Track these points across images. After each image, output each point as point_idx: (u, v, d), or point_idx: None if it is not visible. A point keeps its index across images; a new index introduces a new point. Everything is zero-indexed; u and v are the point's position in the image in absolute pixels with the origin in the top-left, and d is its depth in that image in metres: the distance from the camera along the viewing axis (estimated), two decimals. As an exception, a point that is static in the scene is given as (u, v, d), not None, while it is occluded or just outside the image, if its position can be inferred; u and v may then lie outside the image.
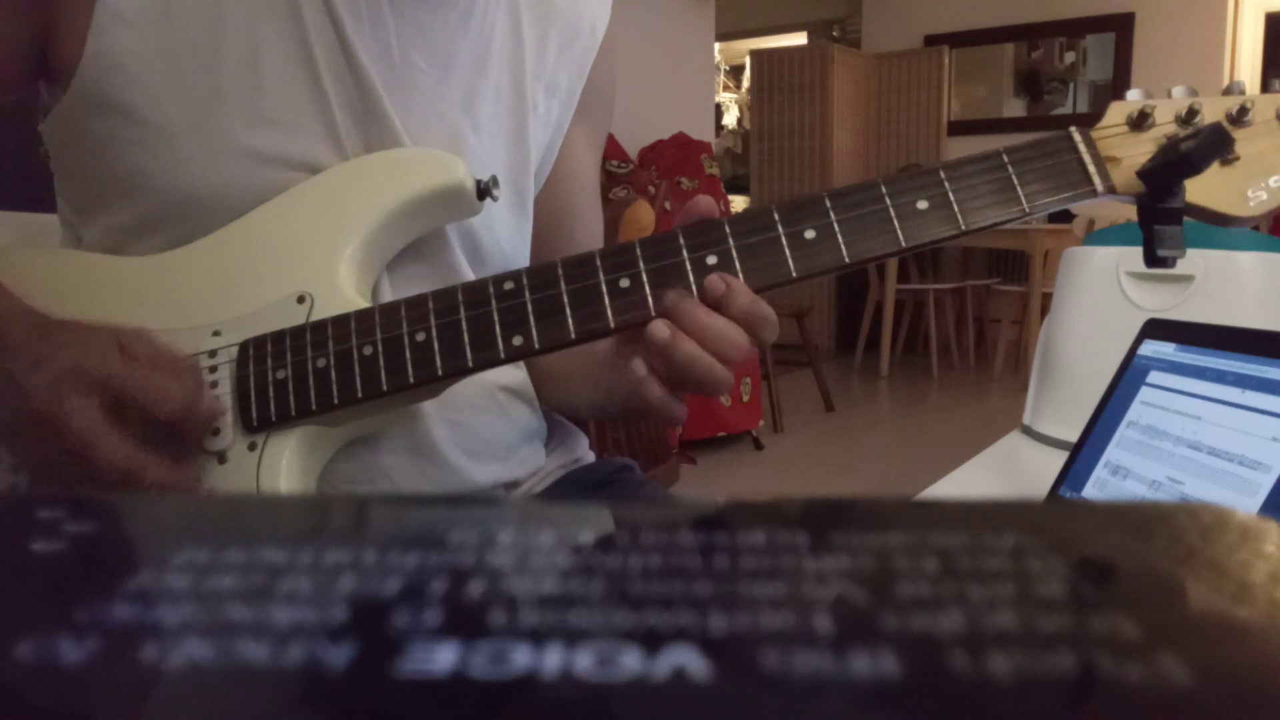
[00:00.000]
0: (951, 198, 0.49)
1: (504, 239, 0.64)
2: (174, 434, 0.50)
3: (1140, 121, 0.51)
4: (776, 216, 0.50)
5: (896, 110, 5.26)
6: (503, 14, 0.63)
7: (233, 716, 0.10)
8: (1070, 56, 4.88)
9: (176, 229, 0.55)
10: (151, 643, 0.11)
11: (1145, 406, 0.57)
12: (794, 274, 0.49)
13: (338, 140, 0.56)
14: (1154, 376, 0.57)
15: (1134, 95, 0.53)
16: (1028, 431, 0.88)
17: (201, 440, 0.51)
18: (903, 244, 0.49)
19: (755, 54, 5.20)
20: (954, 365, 4.60)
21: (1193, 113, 0.51)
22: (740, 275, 0.49)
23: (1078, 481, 0.58)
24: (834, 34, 5.80)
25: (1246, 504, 0.47)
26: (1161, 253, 0.50)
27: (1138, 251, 0.52)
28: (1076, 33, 4.81)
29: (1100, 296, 0.83)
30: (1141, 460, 0.54)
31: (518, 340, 0.50)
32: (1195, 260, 0.77)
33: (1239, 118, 0.50)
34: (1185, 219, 0.51)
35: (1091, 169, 0.50)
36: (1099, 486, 0.56)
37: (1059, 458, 0.61)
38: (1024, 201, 0.49)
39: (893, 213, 0.49)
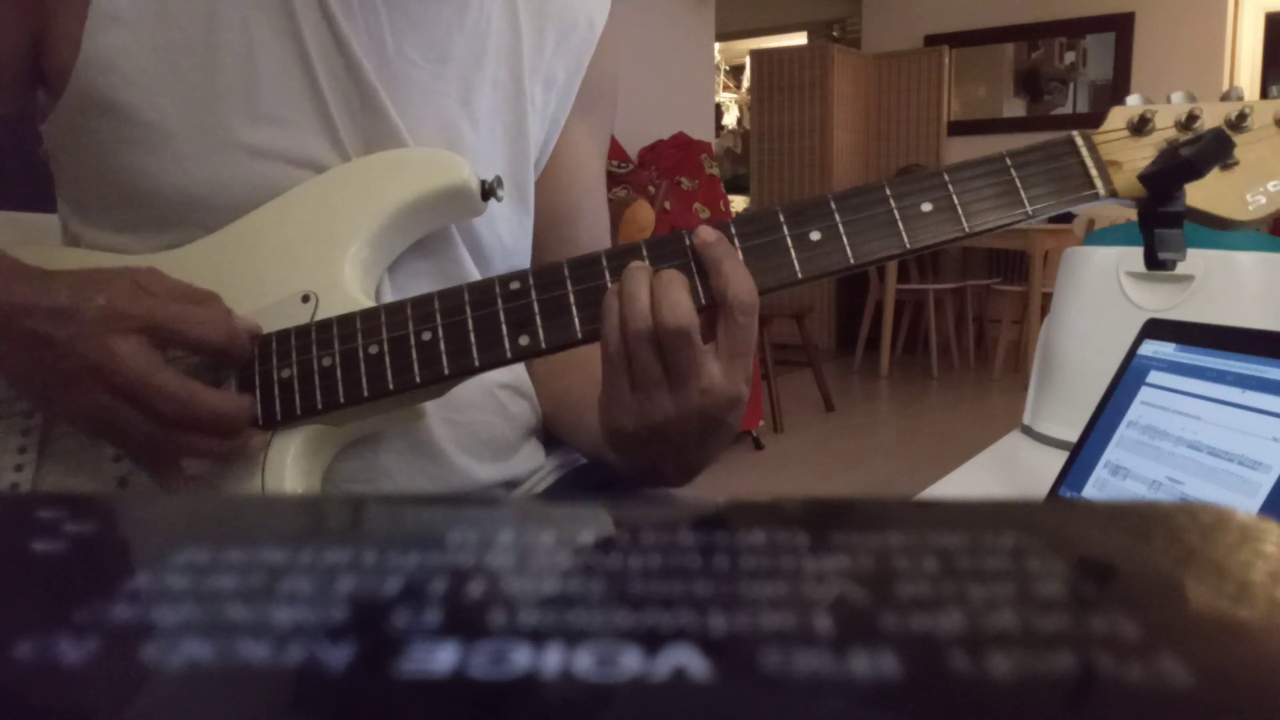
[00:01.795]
0: (955, 200, 0.49)
1: (505, 235, 0.63)
2: (215, 363, 0.51)
3: (1141, 126, 0.51)
4: (782, 218, 0.50)
5: (896, 110, 5.26)
6: (499, 7, 0.63)
7: (233, 717, 0.10)
8: (1070, 56, 4.88)
9: (177, 228, 0.55)
10: (151, 643, 0.11)
11: (1145, 406, 0.57)
12: (799, 275, 0.49)
13: (335, 136, 0.56)
14: (1154, 376, 0.57)
15: (1134, 100, 0.53)
16: (1028, 431, 0.88)
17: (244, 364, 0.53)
18: (907, 246, 0.49)
19: (755, 54, 5.20)
20: (954, 365, 4.60)
21: (1193, 118, 0.51)
22: None
23: (1078, 481, 0.58)
24: (834, 34, 5.80)
25: (1246, 504, 0.47)
26: (1162, 256, 0.50)
27: (1138, 251, 0.52)
28: (1076, 33, 4.81)
29: (1100, 296, 0.83)
30: (1141, 460, 0.54)
31: (524, 340, 0.50)
32: (1195, 260, 0.77)
33: (1238, 123, 0.51)
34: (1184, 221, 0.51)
35: (1094, 173, 0.50)
36: (1099, 486, 0.56)
37: (1059, 458, 0.61)
38: (1027, 204, 0.49)
39: (897, 215, 0.49)
